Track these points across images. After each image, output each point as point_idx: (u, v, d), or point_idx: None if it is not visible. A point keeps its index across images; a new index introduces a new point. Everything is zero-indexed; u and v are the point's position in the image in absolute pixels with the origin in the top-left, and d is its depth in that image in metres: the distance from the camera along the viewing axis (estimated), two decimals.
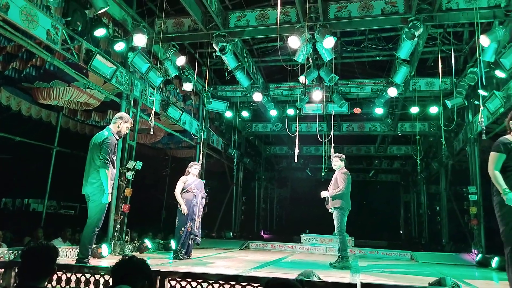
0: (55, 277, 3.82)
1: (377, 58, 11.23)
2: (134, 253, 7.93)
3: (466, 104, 10.19)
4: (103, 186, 5.06)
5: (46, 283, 2.48)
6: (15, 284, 3.78)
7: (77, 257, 5.18)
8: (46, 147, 10.29)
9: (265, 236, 17.84)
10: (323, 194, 7.23)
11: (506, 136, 4.00)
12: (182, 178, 7.41)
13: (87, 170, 5.23)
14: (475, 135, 10.52)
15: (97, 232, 5.17)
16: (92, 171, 5.15)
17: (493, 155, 3.92)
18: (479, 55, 7.67)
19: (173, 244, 7.59)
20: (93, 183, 5.10)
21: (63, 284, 3.80)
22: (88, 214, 5.16)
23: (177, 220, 7.28)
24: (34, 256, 2.42)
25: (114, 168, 5.33)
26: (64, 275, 3.84)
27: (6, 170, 12.35)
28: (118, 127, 5.46)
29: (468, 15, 7.71)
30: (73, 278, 3.85)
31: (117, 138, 5.44)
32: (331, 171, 7.64)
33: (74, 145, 11.48)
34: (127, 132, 5.75)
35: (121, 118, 5.53)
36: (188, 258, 7.18)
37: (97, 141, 5.23)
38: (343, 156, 7.46)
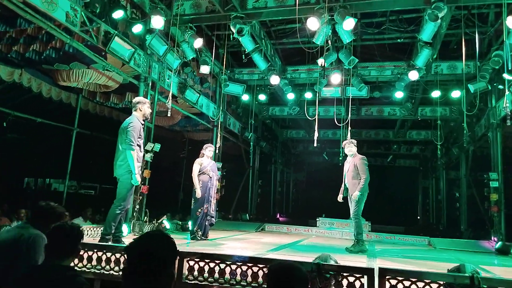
0: None
1: (398, 40, 10.95)
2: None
3: (490, 88, 9.91)
4: (130, 167, 5.29)
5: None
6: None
7: (101, 234, 5.44)
8: (67, 129, 10.47)
9: (281, 219, 17.93)
10: (355, 196, 6.94)
11: None
12: (198, 160, 7.48)
13: (116, 154, 5.50)
14: (498, 121, 10.24)
15: (123, 212, 5.42)
16: (120, 154, 5.41)
17: None
18: (505, 38, 7.40)
19: (190, 225, 7.71)
20: (121, 165, 5.37)
21: (84, 262, 3.89)
22: (116, 194, 5.41)
23: (193, 201, 7.39)
24: (60, 235, 2.48)
25: (140, 151, 5.57)
26: (85, 253, 3.93)
27: (28, 150, 12.64)
28: (140, 110, 5.67)
29: None
30: (95, 256, 3.94)
31: (142, 122, 5.68)
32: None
33: (94, 126, 11.66)
34: (150, 111, 5.95)
35: (138, 102, 5.73)
36: (205, 239, 7.29)
37: (123, 126, 5.49)
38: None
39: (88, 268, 3.94)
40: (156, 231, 2.06)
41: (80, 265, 3.92)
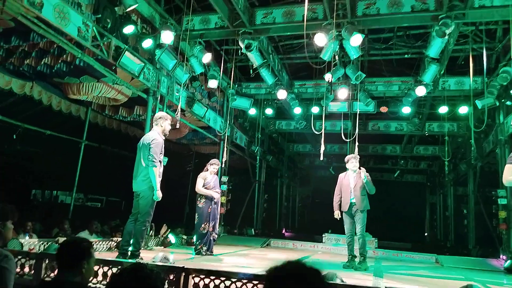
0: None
1: (406, 56, 10.99)
2: (158, 247, 8.06)
3: (498, 104, 9.86)
4: (152, 183, 5.35)
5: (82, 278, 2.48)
6: (45, 276, 3.90)
7: (130, 251, 5.43)
8: (75, 141, 10.54)
9: (286, 234, 17.80)
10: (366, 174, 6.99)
11: None
12: (202, 175, 7.47)
13: (136, 169, 5.56)
14: (506, 137, 10.17)
15: (148, 226, 5.62)
16: (142, 170, 5.46)
17: (507, 167, 4.17)
18: None
19: (195, 239, 7.70)
20: (143, 181, 5.42)
21: (99, 278, 3.88)
22: (137, 210, 5.48)
23: (196, 216, 7.36)
24: (65, 251, 2.48)
25: (161, 166, 5.62)
26: (101, 269, 3.93)
27: (36, 162, 12.74)
28: (161, 126, 5.76)
29: (503, 13, 7.44)
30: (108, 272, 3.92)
31: (163, 138, 5.74)
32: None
33: (102, 139, 11.74)
34: (170, 128, 6.00)
35: (161, 118, 5.82)
36: (210, 255, 7.24)
37: (146, 142, 5.53)
38: None
39: (103, 285, 3.92)
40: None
41: (94, 281, 3.91)
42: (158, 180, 5.41)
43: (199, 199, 7.37)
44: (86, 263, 2.44)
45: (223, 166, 11.33)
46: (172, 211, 13.83)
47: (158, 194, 5.40)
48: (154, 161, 5.36)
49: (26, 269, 4.18)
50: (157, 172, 5.40)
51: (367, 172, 7.01)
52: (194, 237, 7.79)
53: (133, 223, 5.48)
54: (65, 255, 2.45)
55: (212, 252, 7.35)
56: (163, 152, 5.68)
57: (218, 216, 7.61)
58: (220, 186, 8.01)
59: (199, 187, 7.33)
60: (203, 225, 7.24)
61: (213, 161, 7.66)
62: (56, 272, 2.77)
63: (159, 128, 5.73)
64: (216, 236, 7.62)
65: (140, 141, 5.71)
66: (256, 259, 7.76)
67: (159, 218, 9.36)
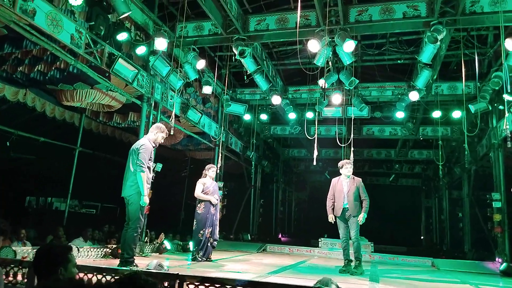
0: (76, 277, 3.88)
1: (399, 61, 11.08)
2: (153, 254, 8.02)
3: (490, 108, 9.96)
4: (139, 189, 5.36)
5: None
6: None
7: (123, 258, 5.42)
8: (69, 148, 10.51)
9: (282, 239, 17.78)
10: (362, 218, 6.81)
11: None
12: (201, 181, 7.44)
13: (125, 175, 5.57)
14: (499, 141, 10.26)
15: (139, 232, 5.59)
16: (130, 175, 5.48)
17: None
18: (504, 59, 7.49)
19: (191, 245, 7.66)
20: (131, 186, 5.44)
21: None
22: (129, 216, 5.48)
23: (195, 222, 7.32)
24: (40, 258, 2.45)
25: (150, 173, 5.65)
26: (85, 276, 3.91)
27: (30, 169, 12.68)
28: (155, 135, 5.79)
29: (493, 19, 7.55)
30: (94, 279, 3.90)
31: (153, 145, 5.76)
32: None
33: (96, 146, 11.71)
34: (162, 141, 6.00)
35: (157, 127, 5.86)
36: (205, 260, 7.21)
37: (135, 147, 5.59)
38: None
39: None
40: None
41: None
42: (146, 185, 5.43)
43: (198, 205, 7.33)
44: (63, 269, 2.37)
45: (218, 171, 11.31)
46: (167, 216, 13.80)
47: (145, 199, 5.41)
48: (142, 166, 5.40)
49: (19, 278, 4.15)
50: (145, 177, 5.43)
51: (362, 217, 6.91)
52: (191, 243, 7.75)
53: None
54: (40, 262, 2.41)
55: (208, 258, 7.30)
56: (152, 158, 5.71)
57: (217, 222, 7.54)
58: (218, 191, 7.98)
59: (198, 193, 7.29)
60: (201, 232, 7.20)
61: (210, 166, 7.66)
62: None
63: (152, 136, 5.78)
64: (216, 242, 7.54)
65: (131, 148, 5.74)
66: (252, 264, 7.74)
67: (154, 224, 9.36)
